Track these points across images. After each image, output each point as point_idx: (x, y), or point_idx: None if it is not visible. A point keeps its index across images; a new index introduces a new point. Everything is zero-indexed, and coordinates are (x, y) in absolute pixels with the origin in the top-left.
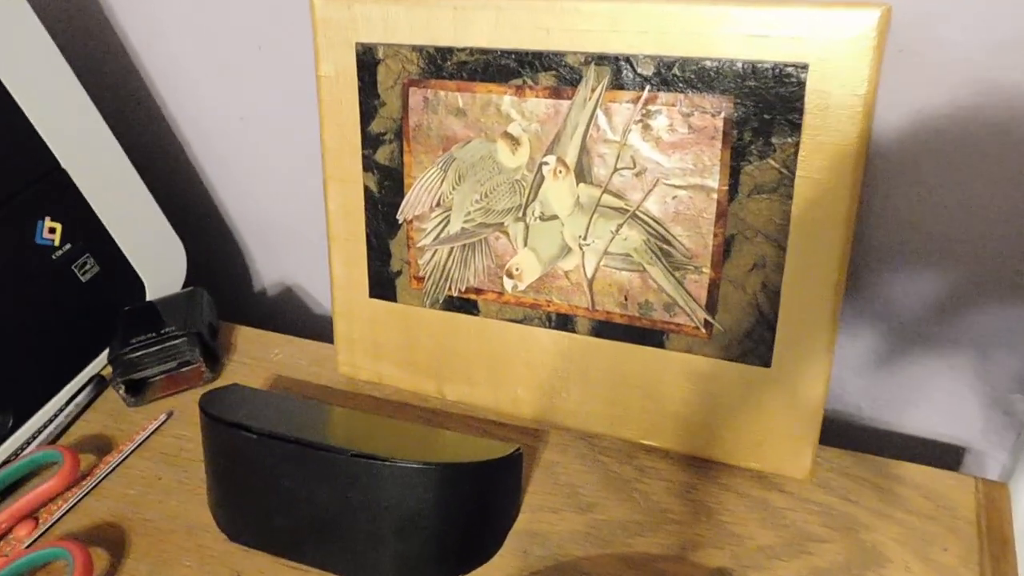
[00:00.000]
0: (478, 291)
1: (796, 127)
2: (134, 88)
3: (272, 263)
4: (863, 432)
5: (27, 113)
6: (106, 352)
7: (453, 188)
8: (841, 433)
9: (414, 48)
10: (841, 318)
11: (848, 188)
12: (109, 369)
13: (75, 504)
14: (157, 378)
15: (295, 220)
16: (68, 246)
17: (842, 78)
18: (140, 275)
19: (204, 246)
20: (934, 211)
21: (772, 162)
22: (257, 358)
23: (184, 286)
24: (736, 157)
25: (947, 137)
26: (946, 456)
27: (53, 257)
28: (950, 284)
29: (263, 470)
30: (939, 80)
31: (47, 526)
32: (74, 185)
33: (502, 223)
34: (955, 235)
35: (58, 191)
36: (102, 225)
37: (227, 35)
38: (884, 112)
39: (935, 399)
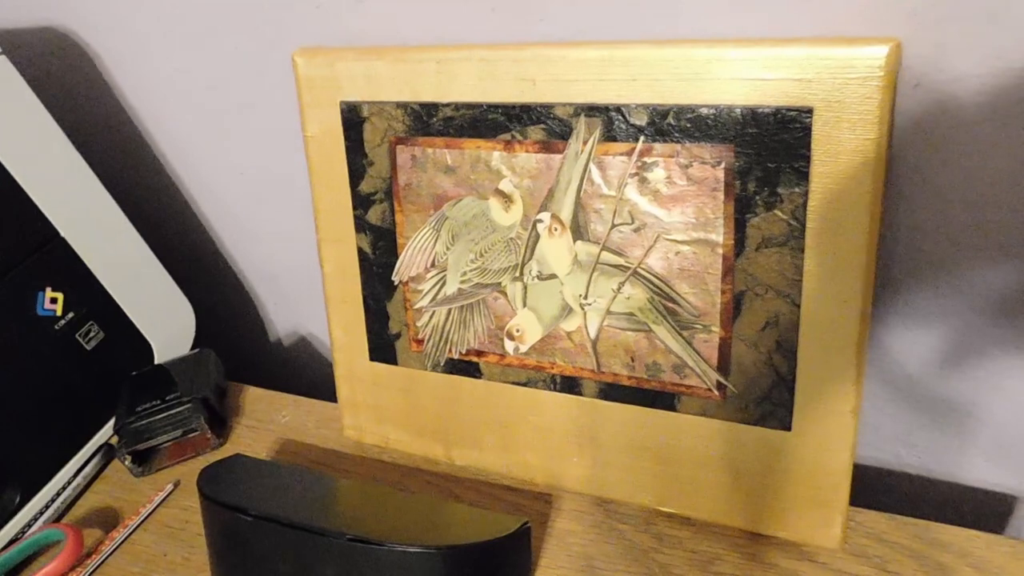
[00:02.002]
0: (479, 353)
1: (803, 175)
2: (132, 149)
3: (285, 313)
4: (899, 479)
5: (21, 183)
6: (114, 419)
7: (447, 248)
8: (875, 480)
9: (398, 105)
10: (869, 346)
11: (865, 238)
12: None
13: None
14: (164, 445)
15: (304, 268)
16: (71, 315)
17: (851, 121)
18: (147, 338)
19: (215, 302)
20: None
21: (780, 213)
22: (264, 420)
23: (195, 343)
24: (741, 209)
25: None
26: (994, 506)
27: (56, 328)
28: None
29: (260, 553)
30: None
31: None
32: (74, 253)
33: (499, 283)
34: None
35: (58, 260)
36: (105, 291)
37: (216, 93)
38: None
39: (979, 443)
